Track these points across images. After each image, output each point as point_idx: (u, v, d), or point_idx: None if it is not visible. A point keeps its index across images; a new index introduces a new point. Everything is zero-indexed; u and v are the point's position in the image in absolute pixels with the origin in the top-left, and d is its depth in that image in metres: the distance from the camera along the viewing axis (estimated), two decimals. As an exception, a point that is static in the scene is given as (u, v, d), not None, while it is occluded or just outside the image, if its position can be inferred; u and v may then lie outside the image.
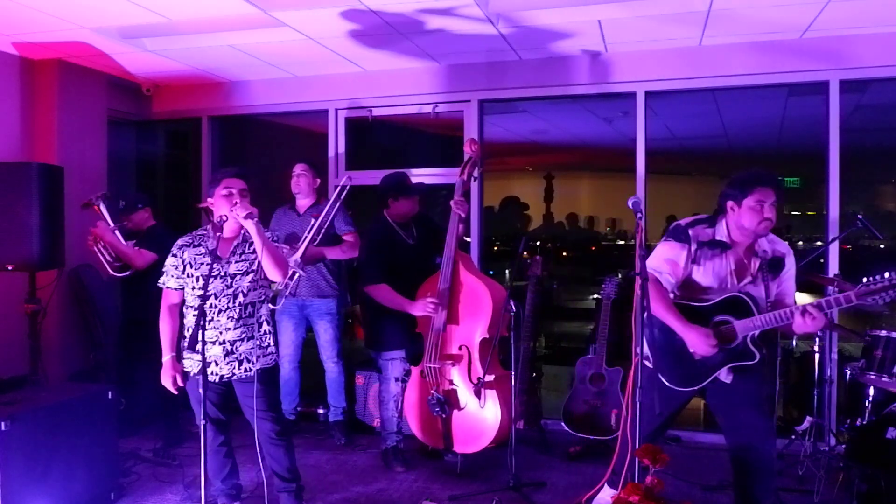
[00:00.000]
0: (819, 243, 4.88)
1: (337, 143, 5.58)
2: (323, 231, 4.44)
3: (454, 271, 4.00)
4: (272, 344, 3.32)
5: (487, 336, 3.94)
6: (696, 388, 2.94)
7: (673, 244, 2.97)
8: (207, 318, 3.14)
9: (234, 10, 3.98)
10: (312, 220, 4.45)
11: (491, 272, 5.89)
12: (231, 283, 3.17)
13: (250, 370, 3.20)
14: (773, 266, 2.91)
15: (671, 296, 2.99)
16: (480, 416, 3.94)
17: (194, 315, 3.12)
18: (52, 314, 4.70)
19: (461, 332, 3.99)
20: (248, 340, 3.21)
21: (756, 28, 4.38)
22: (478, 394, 3.91)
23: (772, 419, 2.99)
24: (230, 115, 5.91)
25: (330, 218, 4.44)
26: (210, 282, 3.11)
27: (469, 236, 5.15)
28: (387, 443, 4.30)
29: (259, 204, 3.19)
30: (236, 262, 3.19)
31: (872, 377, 3.67)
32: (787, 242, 3.01)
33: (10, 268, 4.14)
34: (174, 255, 3.22)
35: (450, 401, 3.97)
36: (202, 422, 3.05)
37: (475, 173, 4.17)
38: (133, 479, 3.99)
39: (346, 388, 4.79)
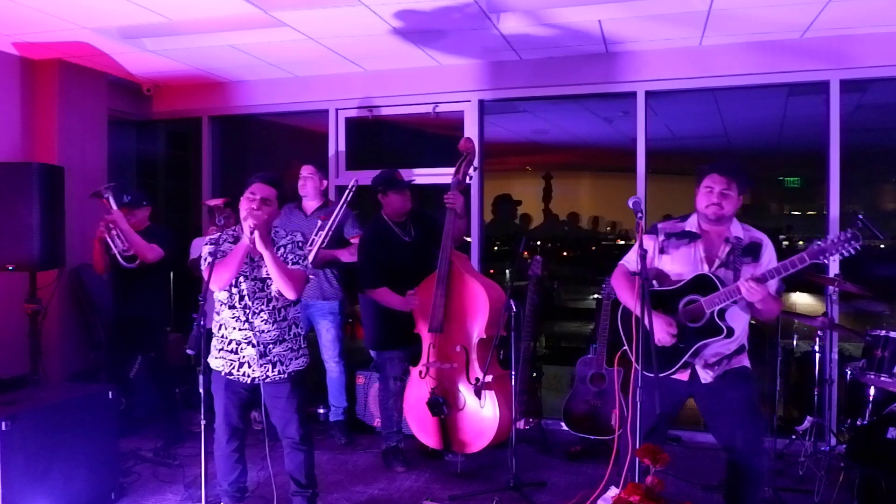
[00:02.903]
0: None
1: (337, 143, 5.58)
2: (331, 234, 4.44)
3: (450, 272, 4.00)
4: (303, 346, 3.30)
5: (485, 336, 3.94)
6: (671, 370, 2.98)
7: (645, 237, 3.16)
8: (242, 321, 3.13)
9: (235, 10, 3.98)
10: (319, 222, 4.45)
11: (491, 272, 5.89)
12: (262, 286, 3.13)
13: (283, 372, 3.20)
14: (749, 251, 2.98)
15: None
16: (480, 416, 3.94)
17: (227, 309, 3.14)
18: (52, 314, 4.70)
19: (459, 333, 3.99)
20: (280, 343, 3.19)
21: (756, 28, 4.38)
22: (477, 394, 3.91)
23: (760, 425, 3.05)
24: (230, 115, 5.91)
25: (338, 220, 4.45)
26: (242, 282, 3.10)
27: (469, 236, 5.14)
28: (387, 443, 4.30)
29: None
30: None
31: (873, 377, 3.67)
32: (765, 234, 3.08)
33: (10, 268, 4.15)
34: (213, 244, 3.11)
35: (449, 401, 3.97)
36: (203, 421, 3.05)
37: (471, 172, 4.15)
38: (133, 479, 3.99)
39: (347, 388, 4.80)
